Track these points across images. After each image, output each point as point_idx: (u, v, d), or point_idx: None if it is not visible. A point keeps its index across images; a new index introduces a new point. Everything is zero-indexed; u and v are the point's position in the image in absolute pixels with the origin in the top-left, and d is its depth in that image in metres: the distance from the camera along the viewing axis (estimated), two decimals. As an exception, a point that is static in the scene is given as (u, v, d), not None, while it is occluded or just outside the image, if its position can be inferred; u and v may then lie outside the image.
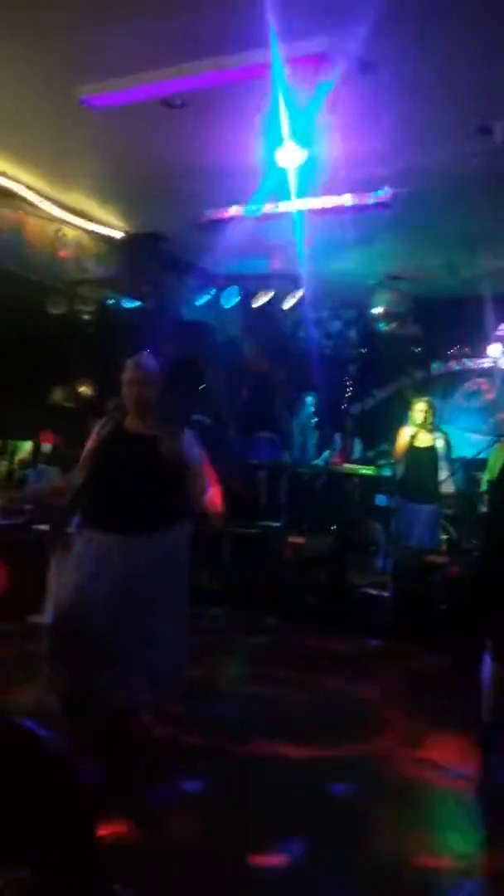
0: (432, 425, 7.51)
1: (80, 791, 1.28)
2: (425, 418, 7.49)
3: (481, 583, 4.13)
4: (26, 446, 8.45)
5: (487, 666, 3.95)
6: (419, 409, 7.54)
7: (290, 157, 5.05)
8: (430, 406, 7.58)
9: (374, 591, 7.10)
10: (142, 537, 3.38)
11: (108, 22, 3.96)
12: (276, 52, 3.80)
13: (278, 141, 4.94)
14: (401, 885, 2.70)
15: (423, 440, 7.48)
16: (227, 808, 3.15)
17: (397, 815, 3.28)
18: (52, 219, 6.89)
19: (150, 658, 3.36)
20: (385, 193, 5.33)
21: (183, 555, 3.55)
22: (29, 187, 6.59)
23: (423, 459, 7.41)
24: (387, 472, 7.90)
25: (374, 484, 8.34)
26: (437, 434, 7.50)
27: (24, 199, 6.63)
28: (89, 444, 3.59)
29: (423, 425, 7.47)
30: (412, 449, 7.45)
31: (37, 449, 8.32)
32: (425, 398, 7.78)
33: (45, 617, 5.76)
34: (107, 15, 3.93)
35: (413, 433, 7.49)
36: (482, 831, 3.31)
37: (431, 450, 7.43)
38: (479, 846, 3.14)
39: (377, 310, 8.00)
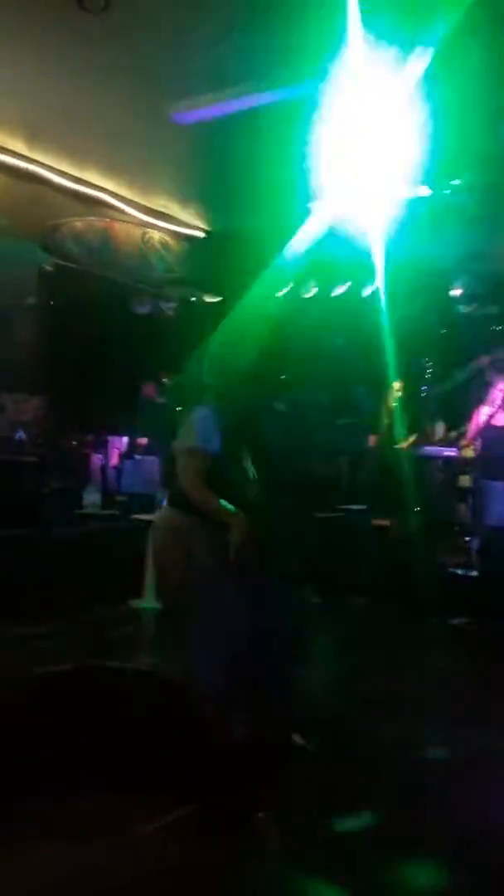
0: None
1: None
2: (504, 397, 7.54)
3: None
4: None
5: None
6: (499, 388, 7.60)
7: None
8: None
9: (461, 571, 7.21)
10: None
11: (194, 46, 4.25)
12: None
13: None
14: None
15: (502, 419, 7.55)
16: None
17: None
18: (139, 223, 7.26)
19: None
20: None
21: None
22: (115, 195, 6.98)
23: (501, 438, 7.47)
24: (469, 453, 7.93)
25: (456, 464, 8.39)
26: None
27: (111, 206, 7.02)
28: None
29: (502, 404, 7.53)
30: (490, 428, 7.52)
31: (132, 442, 8.77)
32: (504, 377, 7.81)
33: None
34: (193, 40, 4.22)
35: (491, 413, 7.56)
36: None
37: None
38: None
39: (455, 291, 8.06)
